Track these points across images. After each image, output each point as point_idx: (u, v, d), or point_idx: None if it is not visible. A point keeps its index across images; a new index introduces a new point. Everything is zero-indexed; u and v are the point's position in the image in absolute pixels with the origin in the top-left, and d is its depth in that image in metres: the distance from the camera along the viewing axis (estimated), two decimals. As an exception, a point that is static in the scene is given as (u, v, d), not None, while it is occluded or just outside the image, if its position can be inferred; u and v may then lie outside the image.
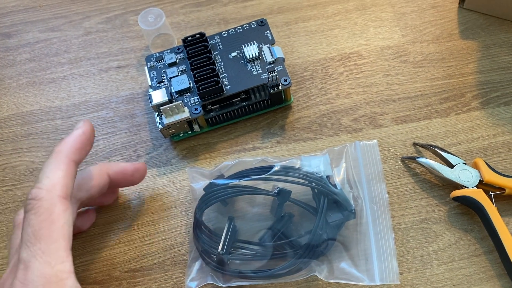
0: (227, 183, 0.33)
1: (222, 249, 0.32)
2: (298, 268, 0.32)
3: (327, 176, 0.33)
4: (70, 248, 0.26)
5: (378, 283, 0.31)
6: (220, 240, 0.32)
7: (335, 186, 0.33)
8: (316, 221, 0.32)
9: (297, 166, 0.33)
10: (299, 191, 0.33)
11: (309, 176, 0.33)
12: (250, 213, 0.34)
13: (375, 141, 0.35)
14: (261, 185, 0.34)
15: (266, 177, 0.33)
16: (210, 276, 0.32)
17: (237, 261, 0.33)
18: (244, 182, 0.33)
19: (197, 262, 0.33)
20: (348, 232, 0.33)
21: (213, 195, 0.33)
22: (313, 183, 0.33)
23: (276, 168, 0.33)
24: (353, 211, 0.32)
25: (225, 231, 0.33)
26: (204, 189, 0.34)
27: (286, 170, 0.33)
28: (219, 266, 0.32)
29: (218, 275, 0.32)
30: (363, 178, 0.34)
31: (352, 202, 0.33)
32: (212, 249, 0.32)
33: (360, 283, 0.31)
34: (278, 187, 0.33)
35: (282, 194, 0.33)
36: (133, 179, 0.34)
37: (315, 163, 0.34)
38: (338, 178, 0.34)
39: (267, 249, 0.32)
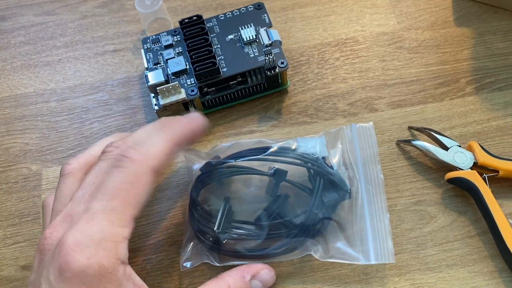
0: (223, 163, 0.33)
1: (218, 228, 0.32)
2: (294, 247, 0.32)
3: (323, 158, 0.33)
4: (136, 218, 0.26)
5: (373, 262, 0.31)
6: (216, 220, 0.32)
7: (331, 167, 0.33)
8: (312, 200, 0.32)
9: (293, 147, 0.34)
10: (295, 172, 0.33)
11: (305, 157, 0.33)
12: (246, 193, 0.34)
13: (371, 123, 0.35)
14: (257, 166, 0.34)
15: (262, 158, 0.33)
16: (205, 256, 0.32)
17: (233, 241, 0.33)
18: (241, 162, 0.33)
19: (192, 242, 0.33)
20: (344, 213, 0.33)
21: (209, 175, 0.33)
22: (308, 164, 0.33)
23: (272, 149, 0.33)
24: (349, 191, 0.32)
25: (221, 211, 0.33)
26: (200, 169, 0.34)
27: (282, 151, 0.33)
28: (214, 245, 0.32)
29: (214, 255, 0.32)
30: (359, 160, 0.34)
31: (347, 183, 0.33)
32: (207, 229, 0.32)
33: (356, 262, 0.31)
34: (274, 167, 0.33)
35: (278, 174, 0.33)
36: (194, 135, 0.32)
37: (311, 145, 0.34)
38: (334, 159, 0.34)
39: (263, 228, 0.32)
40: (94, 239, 0.24)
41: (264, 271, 0.31)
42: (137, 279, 0.26)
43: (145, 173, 0.26)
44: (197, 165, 0.34)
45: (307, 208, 0.32)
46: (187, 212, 0.34)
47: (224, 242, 0.32)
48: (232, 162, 0.33)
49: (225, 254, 0.32)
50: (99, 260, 0.24)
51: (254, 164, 0.33)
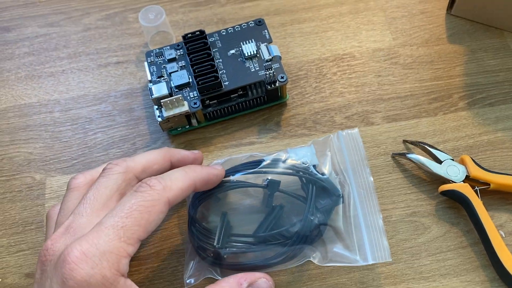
0: None
1: (217, 244, 0.32)
2: (293, 255, 0.32)
3: (314, 166, 0.34)
4: (141, 240, 0.27)
5: (371, 262, 0.32)
6: (215, 236, 0.33)
7: (322, 174, 0.34)
8: (307, 207, 0.33)
9: (284, 158, 0.35)
10: (288, 182, 0.34)
11: (296, 167, 0.34)
12: (242, 206, 0.35)
13: (356, 129, 0.36)
14: (252, 179, 0.35)
15: (255, 171, 0.34)
16: (208, 271, 0.33)
17: (233, 254, 0.33)
18: (235, 177, 0.34)
19: (194, 259, 0.33)
20: (339, 217, 0.34)
21: (205, 191, 0.34)
22: (300, 173, 0.34)
23: (264, 162, 0.34)
24: (341, 196, 0.34)
25: (219, 226, 0.33)
26: None
27: (274, 163, 0.34)
28: (216, 260, 0.33)
29: (216, 269, 0.33)
30: (348, 165, 0.35)
31: (339, 188, 0.34)
32: (207, 245, 0.33)
33: (354, 264, 0.32)
34: (267, 179, 0.34)
35: (272, 185, 0.34)
36: None
37: (301, 154, 0.35)
38: (324, 166, 0.35)
39: (262, 240, 0.33)
40: (100, 250, 0.25)
41: (262, 280, 0.31)
42: None
43: (162, 202, 0.28)
44: None
45: (303, 216, 0.33)
46: (187, 228, 0.34)
47: (225, 257, 0.33)
48: (227, 177, 0.34)
49: (227, 268, 0.33)
50: (102, 270, 0.25)
51: (248, 178, 0.34)
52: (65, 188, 0.38)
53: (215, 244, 0.32)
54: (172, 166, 0.33)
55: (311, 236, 0.33)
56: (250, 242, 0.33)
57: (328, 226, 0.33)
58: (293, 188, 0.34)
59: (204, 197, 0.34)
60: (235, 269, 0.33)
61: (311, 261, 0.33)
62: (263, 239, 0.33)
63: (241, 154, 0.37)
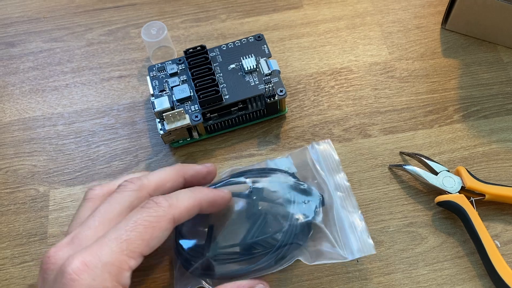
0: None
1: (205, 256, 0.33)
2: (282, 257, 0.33)
3: (293, 173, 0.36)
4: (144, 255, 0.28)
5: (357, 256, 0.32)
6: (203, 248, 0.33)
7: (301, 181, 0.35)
8: (291, 210, 0.34)
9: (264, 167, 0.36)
10: (270, 188, 0.35)
11: (276, 168, 0.35)
12: (228, 217, 0.35)
13: (328, 140, 0.37)
14: (235, 190, 0.35)
15: (237, 181, 0.35)
16: (198, 281, 0.33)
17: (223, 264, 0.34)
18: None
19: (182, 271, 0.34)
20: (322, 218, 0.34)
21: None
22: (281, 175, 0.35)
23: (245, 173, 0.35)
24: (322, 198, 0.35)
25: (207, 238, 0.34)
26: None
27: (256, 172, 0.35)
28: (205, 271, 0.33)
29: (206, 279, 0.33)
30: (325, 172, 0.36)
31: (318, 192, 0.35)
32: (195, 258, 0.33)
33: (342, 260, 0.33)
34: (251, 187, 0.35)
35: (255, 193, 0.35)
36: (205, 182, 0.35)
37: (280, 164, 0.36)
38: (302, 174, 0.36)
39: (250, 247, 0.33)
40: (102, 261, 0.26)
41: (259, 285, 0.31)
42: None
43: (166, 220, 0.28)
44: None
45: (288, 219, 0.33)
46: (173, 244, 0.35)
47: (214, 268, 0.33)
48: None
49: (218, 278, 0.33)
50: (103, 282, 0.26)
51: (232, 188, 0.35)
52: (69, 200, 0.39)
53: (206, 254, 0.33)
54: (186, 182, 0.34)
55: (298, 237, 0.33)
56: (239, 251, 0.34)
57: (313, 226, 0.34)
58: (276, 194, 0.35)
59: None
60: (226, 278, 0.33)
61: (306, 272, 0.33)
62: (251, 247, 0.34)
63: (224, 170, 0.38)
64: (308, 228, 0.34)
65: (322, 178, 0.36)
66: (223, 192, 0.33)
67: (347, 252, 0.33)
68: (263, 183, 0.35)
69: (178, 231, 0.34)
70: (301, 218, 0.33)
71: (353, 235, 0.33)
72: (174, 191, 0.32)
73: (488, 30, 0.44)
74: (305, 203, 0.34)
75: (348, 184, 0.35)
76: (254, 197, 0.34)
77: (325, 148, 0.37)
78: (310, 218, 0.34)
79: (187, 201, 0.30)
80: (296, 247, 0.33)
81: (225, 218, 0.35)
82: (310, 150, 0.37)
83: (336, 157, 0.36)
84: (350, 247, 0.33)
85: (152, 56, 0.45)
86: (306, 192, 0.34)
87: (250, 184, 0.35)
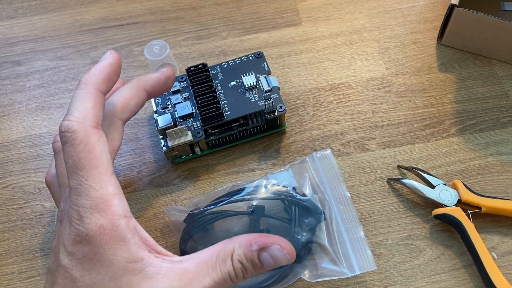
0: (204, 211, 0.36)
1: None
2: (285, 275, 0.34)
3: (294, 188, 0.36)
4: (112, 172, 0.28)
5: (358, 273, 0.33)
6: None
7: (303, 195, 0.36)
8: (292, 228, 0.34)
9: (265, 184, 0.36)
10: (272, 206, 0.36)
11: (278, 191, 0.36)
12: (231, 235, 0.36)
13: (329, 150, 0.38)
14: (237, 208, 0.36)
15: (239, 199, 0.36)
16: None
17: None
18: (221, 207, 0.36)
19: None
20: (322, 233, 0.35)
21: (194, 224, 0.35)
22: (282, 196, 0.36)
23: (247, 190, 0.36)
24: (322, 213, 0.35)
25: None
26: (184, 221, 0.36)
27: (257, 189, 0.36)
28: None
29: None
30: (326, 183, 0.37)
31: (320, 206, 0.36)
32: None
33: (343, 277, 0.33)
34: (252, 205, 0.36)
35: (257, 211, 0.36)
36: (167, 88, 0.35)
37: (281, 178, 0.37)
38: (303, 187, 0.37)
39: None
40: (86, 207, 0.26)
41: (275, 246, 0.28)
42: (143, 231, 0.28)
43: (88, 134, 0.27)
44: (181, 219, 0.36)
45: (289, 236, 0.34)
46: None
47: None
48: (213, 208, 0.36)
49: None
50: (96, 221, 0.26)
51: (234, 206, 0.36)
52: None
53: None
54: (149, 94, 0.34)
55: (300, 255, 0.34)
56: None
57: (314, 243, 0.35)
58: (277, 211, 0.36)
59: (193, 230, 0.35)
60: None
61: (306, 285, 0.34)
62: None
63: (224, 185, 0.38)
64: (310, 245, 0.35)
65: (322, 191, 0.37)
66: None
67: (348, 269, 0.33)
68: (264, 201, 0.36)
69: (183, 251, 0.35)
70: (302, 236, 0.34)
71: (353, 251, 0.34)
72: (141, 106, 0.33)
73: (483, 45, 0.45)
74: (305, 220, 0.35)
75: (348, 195, 0.36)
76: (256, 216, 0.35)
77: (326, 158, 0.38)
78: (311, 236, 0.35)
79: (84, 100, 0.28)
80: (297, 265, 0.34)
81: (228, 236, 0.36)
82: (310, 161, 0.38)
83: (337, 168, 0.37)
84: (351, 263, 0.33)
85: (155, 73, 0.46)
86: (307, 209, 0.35)
87: (252, 202, 0.36)
